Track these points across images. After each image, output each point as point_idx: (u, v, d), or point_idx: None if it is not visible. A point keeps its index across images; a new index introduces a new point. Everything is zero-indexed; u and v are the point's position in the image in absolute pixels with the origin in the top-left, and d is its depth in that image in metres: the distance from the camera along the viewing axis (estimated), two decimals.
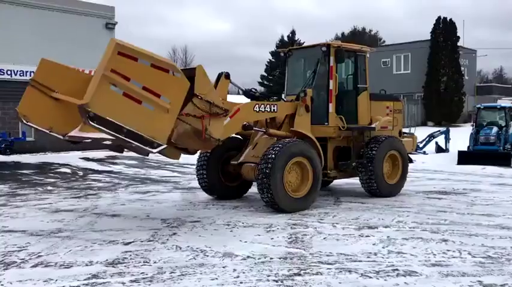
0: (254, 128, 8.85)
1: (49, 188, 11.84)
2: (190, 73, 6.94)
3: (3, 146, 21.46)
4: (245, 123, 8.44)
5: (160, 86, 6.13)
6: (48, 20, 23.98)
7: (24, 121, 7.38)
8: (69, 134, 7.23)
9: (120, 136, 5.88)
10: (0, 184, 12.56)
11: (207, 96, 7.23)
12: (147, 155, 8.07)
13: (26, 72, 23.69)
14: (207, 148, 7.69)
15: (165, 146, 6.25)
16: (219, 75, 8.42)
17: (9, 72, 23.17)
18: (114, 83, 5.83)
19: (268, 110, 8.77)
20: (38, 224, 7.46)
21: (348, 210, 8.62)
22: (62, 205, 9.31)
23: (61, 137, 7.55)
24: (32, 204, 9.40)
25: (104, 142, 6.90)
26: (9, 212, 8.51)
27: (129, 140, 5.95)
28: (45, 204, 9.40)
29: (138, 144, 6.01)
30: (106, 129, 5.79)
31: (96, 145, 7.99)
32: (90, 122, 5.70)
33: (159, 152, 6.34)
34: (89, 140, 6.93)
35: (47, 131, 7.49)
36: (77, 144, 8.10)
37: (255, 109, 8.56)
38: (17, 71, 23.35)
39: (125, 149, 7.84)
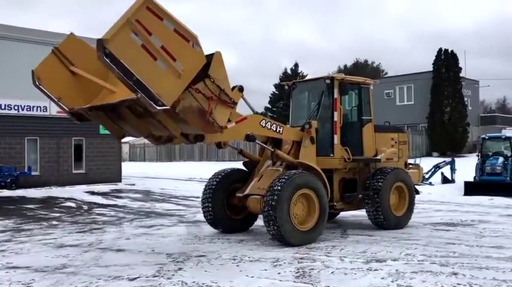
0: (258, 142, 8.85)
1: (54, 222, 11.80)
2: (208, 58, 7.01)
3: (8, 180, 21.51)
4: (249, 133, 8.41)
5: (178, 52, 6.26)
6: None
7: (37, 83, 7.50)
8: (77, 108, 7.31)
9: (128, 81, 5.94)
10: (5, 219, 12.52)
11: (219, 82, 7.25)
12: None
13: (33, 107, 23.99)
14: (207, 131, 7.48)
15: (168, 107, 6.27)
16: (233, 88, 8.47)
17: (16, 108, 23.45)
18: (136, 32, 5.95)
19: (274, 129, 8.81)
20: (42, 260, 7.40)
21: (356, 243, 8.51)
22: (66, 239, 9.25)
23: (66, 109, 7.64)
24: (37, 239, 9.34)
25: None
26: (13, 248, 8.46)
27: (136, 88, 5.98)
28: (50, 239, 9.34)
29: (143, 95, 6.02)
30: (117, 70, 5.86)
31: (98, 119, 8.03)
32: (104, 58, 5.79)
33: (160, 119, 6.31)
34: (95, 107, 6.91)
35: (55, 100, 7.60)
36: (80, 120, 8.08)
37: (261, 123, 8.62)
38: (24, 106, 23.63)
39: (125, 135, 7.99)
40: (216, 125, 7.26)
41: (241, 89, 8.36)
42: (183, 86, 6.49)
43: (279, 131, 8.90)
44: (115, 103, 7.17)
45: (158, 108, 6.16)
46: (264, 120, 8.69)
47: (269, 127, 8.73)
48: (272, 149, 8.95)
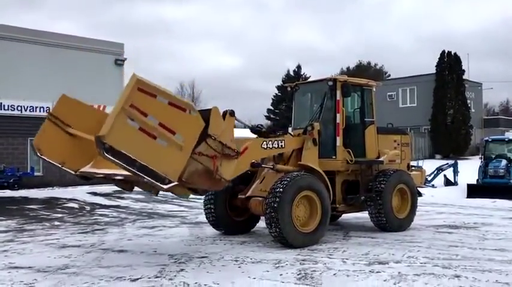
0: (262, 165, 8.87)
1: (56, 223, 11.82)
2: (205, 114, 7.05)
3: (11, 181, 21.59)
4: (254, 161, 8.48)
5: (176, 124, 6.25)
6: (58, 57, 24.49)
7: (38, 154, 7.50)
8: (81, 170, 7.30)
9: (132, 169, 5.95)
10: (8, 219, 12.55)
11: (220, 137, 7.30)
12: (156, 195, 8.07)
13: (36, 108, 24.05)
14: (217, 188, 7.70)
15: (175, 183, 6.28)
16: (224, 113, 8.53)
17: (19, 108, 23.53)
18: (132, 117, 5.96)
19: (276, 146, 8.81)
20: (44, 260, 7.40)
21: (358, 245, 8.50)
22: (69, 240, 9.26)
23: (72, 173, 7.63)
24: (39, 239, 9.36)
25: (116, 177, 6.94)
26: (16, 248, 8.47)
27: (141, 174, 6.00)
28: (52, 239, 9.35)
29: (149, 179, 6.06)
30: (119, 162, 5.87)
31: (107, 181, 8.03)
32: (105, 154, 5.80)
33: (168, 189, 6.35)
34: (101, 175, 6.97)
35: (59, 166, 7.59)
36: (88, 180, 8.15)
37: (262, 146, 8.61)
38: (27, 107, 23.70)
39: (135, 187, 7.86)
40: (223, 181, 7.35)
41: (232, 113, 8.40)
42: (186, 157, 6.48)
43: (281, 145, 8.91)
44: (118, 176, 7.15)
45: (166, 187, 6.21)
46: (264, 142, 8.67)
47: (271, 147, 8.74)
48: (272, 167, 8.95)
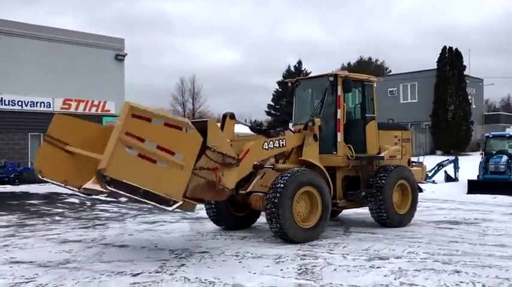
0: (264, 166, 8.88)
1: (57, 218, 11.84)
2: (202, 126, 7.07)
3: (12, 176, 21.61)
4: (256, 163, 8.50)
5: (174, 144, 6.26)
6: (59, 52, 24.47)
7: (40, 177, 7.56)
8: (84, 187, 7.35)
9: (136, 197, 6.03)
10: (9, 214, 12.57)
11: (220, 148, 7.32)
12: (167, 211, 8.13)
13: (37, 103, 24.06)
14: (221, 198, 7.76)
15: (180, 203, 6.32)
16: (224, 117, 8.54)
17: (19, 103, 23.53)
18: (129, 145, 5.98)
19: (277, 145, 8.81)
20: (46, 255, 7.42)
21: (358, 240, 8.51)
22: (70, 235, 9.28)
23: (76, 190, 7.68)
24: (40, 234, 9.38)
25: (121, 198, 6.99)
26: (17, 243, 8.49)
27: (145, 200, 6.09)
28: (53, 234, 9.37)
29: (154, 203, 6.14)
30: (123, 192, 5.95)
31: (112, 196, 8.08)
32: (108, 187, 5.85)
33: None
34: (107, 192, 7.00)
35: (62, 185, 7.65)
36: (91, 195, 8.22)
37: (264, 147, 8.60)
38: (28, 102, 23.70)
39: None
40: (227, 190, 7.37)
41: (232, 116, 8.41)
42: (188, 175, 6.48)
43: (282, 144, 8.91)
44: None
45: (171, 208, 6.25)
46: (265, 143, 8.65)
47: (272, 147, 8.73)
48: (272, 167, 8.96)
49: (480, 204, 14.46)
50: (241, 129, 9.13)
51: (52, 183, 7.62)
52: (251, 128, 9.50)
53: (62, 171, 7.56)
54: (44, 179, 7.56)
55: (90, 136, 7.50)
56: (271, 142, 8.72)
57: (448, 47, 35.37)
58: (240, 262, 6.89)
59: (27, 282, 5.90)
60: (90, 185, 7.23)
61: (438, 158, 25.49)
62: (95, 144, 7.23)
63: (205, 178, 7.17)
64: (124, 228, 10.15)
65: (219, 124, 8.06)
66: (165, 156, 6.17)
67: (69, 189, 7.79)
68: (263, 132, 9.29)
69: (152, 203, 6.16)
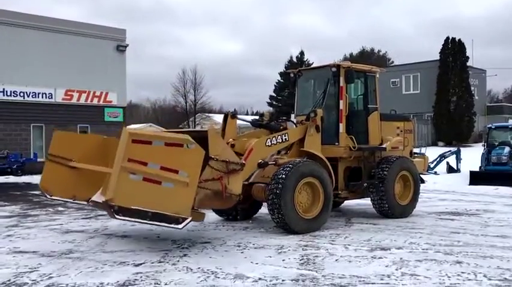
0: (268, 163, 8.87)
1: (60, 209, 11.88)
2: (202, 135, 7.07)
3: (15, 166, 21.67)
4: (260, 161, 8.51)
5: (177, 162, 6.26)
6: (60, 43, 24.43)
7: (48, 196, 7.61)
8: (92, 199, 7.37)
9: (145, 221, 6.09)
10: (12, 204, 12.63)
11: (222, 156, 7.30)
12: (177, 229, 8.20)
13: (39, 94, 24.05)
14: (229, 205, 7.75)
15: (189, 220, 6.33)
16: (226, 116, 8.49)
17: (22, 94, 23.53)
18: (133, 171, 6.00)
19: (280, 140, 8.81)
20: (49, 245, 7.46)
21: (360, 231, 8.53)
22: (72, 225, 9.32)
23: (85, 203, 7.72)
24: (43, 225, 9.42)
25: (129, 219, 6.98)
26: (20, 233, 8.53)
27: (154, 222, 6.16)
28: (56, 225, 9.41)
29: (164, 224, 6.20)
30: (132, 219, 6.01)
31: None
32: (116, 216, 5.88)
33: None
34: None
35: (71, 201, 7.70)
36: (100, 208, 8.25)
37: (267, 144, 8.60)
38: (30, 93, 23.71)
39: None
40: (234, 197, 7.36)
41: (234, 115, 8.37)
42: (193, 190, 6.47)
43: (285, 139, 8.89)
44: None
45: (181, 226, 6.26)
46: (268, 140, 8.64)
47: (275, 142, 8.72)
48: (274, 163, 8.95)
49: (482, 195, 14.47)
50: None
51: (61, 200, 7.75)
52: (252, 124, 9.49)
53: (69, 187, 7.66)
54: (52, 198, 7.66)
55: (91, 149, 7.59)
56: (273, 138, 8.70)
57: (451, 38, 35.18)
58: (242, 252, 6.92)
59: (30, 271, 5.94)
60: (97, 197, 7.31)
61: (440, 149, 25.48)
62: (97, 156, 7.33)
63: (211, 189, 7.17)
64: None
65: (219, 125, 8.07)
66: (169, 176, 6.19)
67: (78, 203, 7.86)
68: (264, 127, 9.28)
69: (161, 224, 6.22)
